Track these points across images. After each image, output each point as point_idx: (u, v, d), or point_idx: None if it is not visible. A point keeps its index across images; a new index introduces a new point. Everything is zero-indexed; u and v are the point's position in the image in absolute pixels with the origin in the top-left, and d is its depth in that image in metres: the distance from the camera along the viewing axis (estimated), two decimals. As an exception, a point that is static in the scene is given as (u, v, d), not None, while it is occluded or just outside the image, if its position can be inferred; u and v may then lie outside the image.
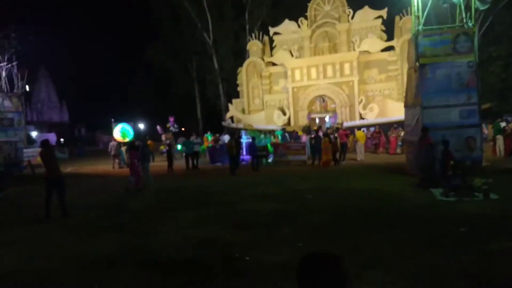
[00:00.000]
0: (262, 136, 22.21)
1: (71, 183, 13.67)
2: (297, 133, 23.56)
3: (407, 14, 29.45)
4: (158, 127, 31.97)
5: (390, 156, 20.08)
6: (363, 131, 20.87)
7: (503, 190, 9.44)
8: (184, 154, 20.16)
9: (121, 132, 24.28)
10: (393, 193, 10.20)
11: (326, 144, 16.88)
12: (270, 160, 19.64)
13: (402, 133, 19.92)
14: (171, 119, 32.23)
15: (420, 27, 12.61)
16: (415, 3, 12.67)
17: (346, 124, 28.49)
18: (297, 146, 18.60)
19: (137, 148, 14.31)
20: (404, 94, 30.15)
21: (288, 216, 8.30)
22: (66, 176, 10.90)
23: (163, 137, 32.65)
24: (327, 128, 21.37)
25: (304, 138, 23.09)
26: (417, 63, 12.64)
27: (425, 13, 12.75)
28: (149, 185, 13.78)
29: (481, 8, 12.18)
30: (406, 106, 13.94)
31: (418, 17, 12.63)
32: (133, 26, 48.08)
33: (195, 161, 19.66)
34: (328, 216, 8.11)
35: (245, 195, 11.05)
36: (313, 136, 18.52)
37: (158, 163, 24.19)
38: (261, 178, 14.66)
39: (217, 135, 26.06)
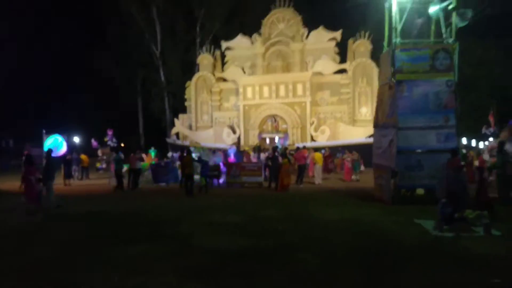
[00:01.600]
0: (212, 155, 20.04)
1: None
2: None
3: (360, 38, 29.34)
4: (93, 141, 28.65)
5: (345, 181, 18.74)
6: (322, 152, 19.40)
7: (498, 224, 8.16)
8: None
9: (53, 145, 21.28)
10: (375, 225, 8.56)
11: (286, 166, 15.19)
12: (221, 181, 17.55)
13: (349, 158, 18.79)
14: (110, 132, 29.11)
15: (398, 39, 11.45)
16: (393, 14, 11.52)
17: (298, 145, 27.28)
18: (253, 167, 16.68)
19: (32, 162, 11.71)
20: (353, 117, 30.20)
21: (262, 258, 6.29)
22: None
23: (99, 152, 29.34)
24: (286, 148, 19.63)
25: (254, 158, 21.34)
26: (392, 79, 11.41)
27: (401, 25, 11.64)
28: (50, 209, 11.22)
29: (460, 25, 11.29)
30: (376, 126, 12.64)
31: (395, 29, 11.46)
32: (75, 26, 43.59)
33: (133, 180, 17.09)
34: (314, 259, 6.18)
35: (201, 224, 8.86)
36: (270, 156, 16.78)
37: (95, 181, 21.20)
38: (215, 201, 12.51)
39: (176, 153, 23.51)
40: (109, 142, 29.79)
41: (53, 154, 14.73)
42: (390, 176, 11.37)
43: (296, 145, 21.85)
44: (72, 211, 11.11)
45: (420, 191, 12.24)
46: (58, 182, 20.77)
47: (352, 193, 14.09)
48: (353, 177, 18.73)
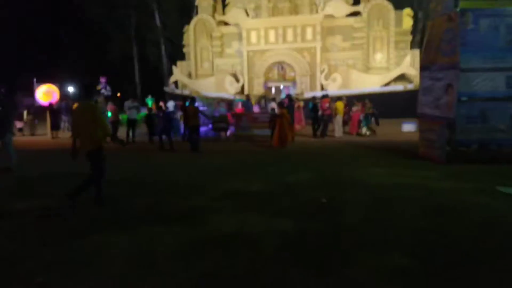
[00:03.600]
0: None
1: None
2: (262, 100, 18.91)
3: (376, -23, 25.83)
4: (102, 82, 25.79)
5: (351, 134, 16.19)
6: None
7: None
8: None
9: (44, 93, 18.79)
10: (449, 195, 6.30)
11: (286, 117, 12.57)
12: (228, 133, 15.19)
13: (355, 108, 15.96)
14: (103, 80, 26.15)
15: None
16: None
17: (308, 94, 24.70)
18: (266, 118, 14.21)
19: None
20: (367, 64, 27.09)
21: (323, 261, 4.03)
22: None
23: (93, 102, 26.60)
24: (314, 98, 16.68)
25: (257, 108, 18.85)
26: (456, 8, 8.73)
27: None
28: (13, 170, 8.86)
29: None
30: (424, 68, 10.07)
31: None
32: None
33: (131, 133, 14.69)
34: (406, 259, 3.92)
35: (224, 195, 6.57)
36: (284, 105, 14.29)
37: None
38: (228, 161, 10.21)
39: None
40: (102, 91, 26.91)
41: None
42: (445, 129, 9.03)
43: (323, 92, 18.89)
44: (49, 172, 8.78)
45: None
46: (44, 133, 18.57)
47: (385, 148, 11.82)
48: (363, 130, 15.97)
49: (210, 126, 14.22)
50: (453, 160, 8.92)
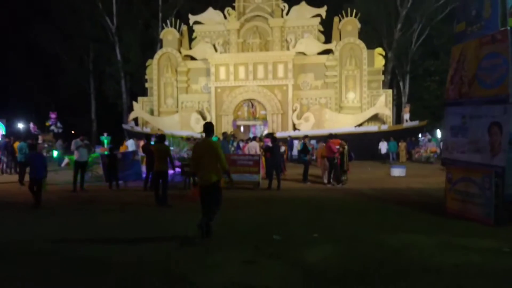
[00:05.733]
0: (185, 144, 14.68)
1: None
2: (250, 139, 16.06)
3: (347, 16, 24.96)
4: (31, 125, 22.18)
5: (360, 180, 14.02)
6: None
7: None
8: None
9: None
10: None
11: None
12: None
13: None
14: (53, 115, 22.79)
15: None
16: None
17: (280, 134, 22.49)
18: (247, 160, 11.52)
19: None
20: (340, 104, 25.39)
21: None
22: None
23: (40, 139, 22.92)
24: (306, 137, 14.04)
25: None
26: (503, 28, 6.83)
27: None
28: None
29: None
30: (451, 103, 8.01)
31: None
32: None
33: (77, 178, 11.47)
34: None
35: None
36: (270, 145, 11.81)
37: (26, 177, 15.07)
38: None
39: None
40: (52, 127, 23.38)
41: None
42: (491, 180, 6.85)
43: (328, 131, 16.29)
44: None
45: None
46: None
47: (394, 201, 9.50)
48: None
49: (177, 170, 11.41)
50: (503, 220, 6.70)
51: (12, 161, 16.25)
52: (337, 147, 11.39)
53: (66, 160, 17.73)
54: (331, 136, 12.11)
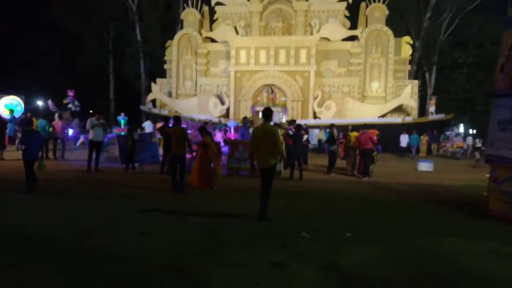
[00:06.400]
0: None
1: None
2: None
3: (375, 1, 23.76)
4: (50, 102, 21.90)
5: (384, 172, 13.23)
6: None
7: None
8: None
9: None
10: None
11: (212, 148, 9.01)
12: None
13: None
14: (70, 93, 22.44)
15: None
16: None
17: (300, 122, 21.69)
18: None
19: None
20: (363, 93, 24.33)
21: None
22: None
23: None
24: (332, 126, 13.19)
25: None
26: None
27: None
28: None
29: None
30: (501, 94, 7.17)
31: None
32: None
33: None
34: None
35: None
36: (291, 132, 11.13)
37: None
38: (237, 204, 6.84)
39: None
40: (69, 105, 23.13)
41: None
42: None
43: (350, 121, 15.53)
44: None
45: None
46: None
47: (425, 198, 8.77)
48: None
49: (194, 154, 10.87)
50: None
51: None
52: (375, 137, 10.65)
53: (81, 139, 17.41)
54: (367, 126, 11.30)
